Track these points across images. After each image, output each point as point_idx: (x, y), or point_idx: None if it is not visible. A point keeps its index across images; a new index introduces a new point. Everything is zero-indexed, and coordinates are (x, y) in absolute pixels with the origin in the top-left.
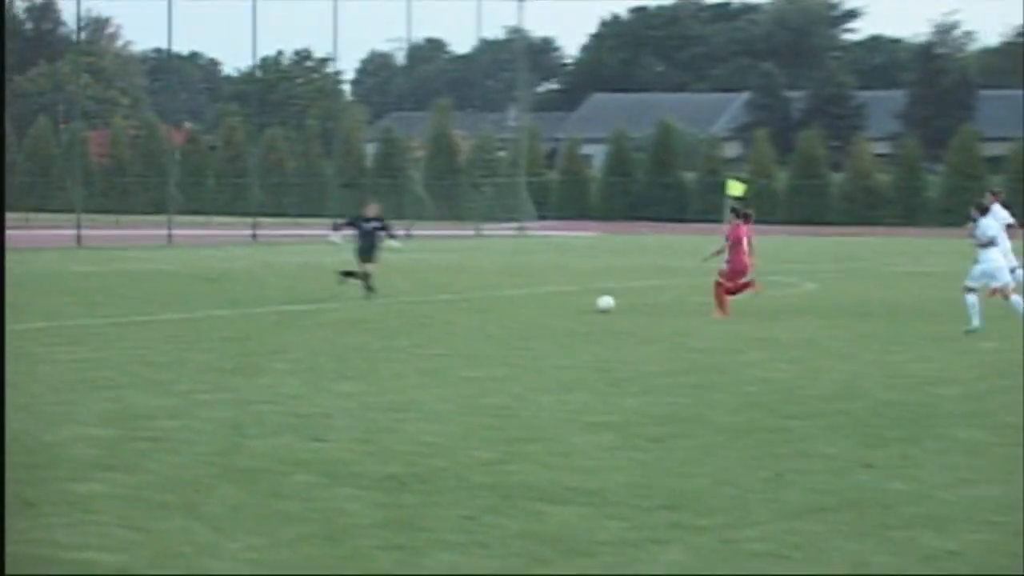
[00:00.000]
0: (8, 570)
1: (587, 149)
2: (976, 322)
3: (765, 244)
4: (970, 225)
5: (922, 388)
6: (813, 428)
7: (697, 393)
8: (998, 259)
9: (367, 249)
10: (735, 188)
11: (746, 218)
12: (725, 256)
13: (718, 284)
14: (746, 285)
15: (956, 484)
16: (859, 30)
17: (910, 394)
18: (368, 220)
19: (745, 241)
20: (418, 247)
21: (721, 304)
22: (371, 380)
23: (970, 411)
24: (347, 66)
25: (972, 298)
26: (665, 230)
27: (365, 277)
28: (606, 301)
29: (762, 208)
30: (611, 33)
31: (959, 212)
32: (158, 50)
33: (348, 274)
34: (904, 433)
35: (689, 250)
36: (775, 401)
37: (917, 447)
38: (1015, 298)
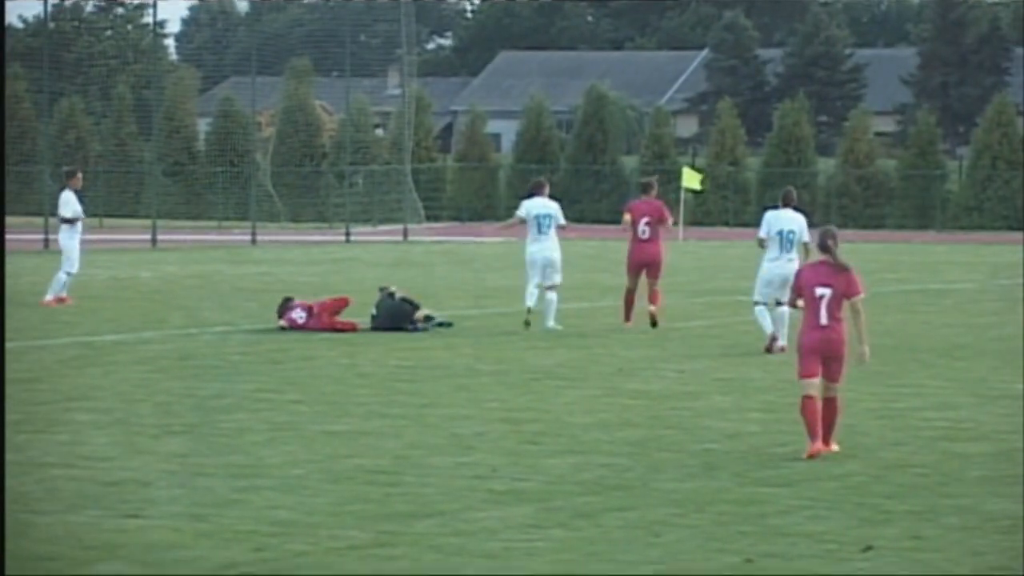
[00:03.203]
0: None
1: (493, 126)
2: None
3: (731, 252)
4: None
5: (939, 445)
6: (794, 499)
7: (640, 452)
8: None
9: None
10: (692, 179)
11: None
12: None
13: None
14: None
15: (984, 571)
16: None
17: (924, 453)
18: None
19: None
20: (264, 258)
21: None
22: (204, 436)
23: (1001, 476)
24: (170, 15)
25: None
26: (596, 234)
27: None
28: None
29: (727, 204)
30: None
31: (990, 211)
32: None
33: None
34: (916, 505)
35: None
36: (744, 463)
37: (932, 524)
38: None
